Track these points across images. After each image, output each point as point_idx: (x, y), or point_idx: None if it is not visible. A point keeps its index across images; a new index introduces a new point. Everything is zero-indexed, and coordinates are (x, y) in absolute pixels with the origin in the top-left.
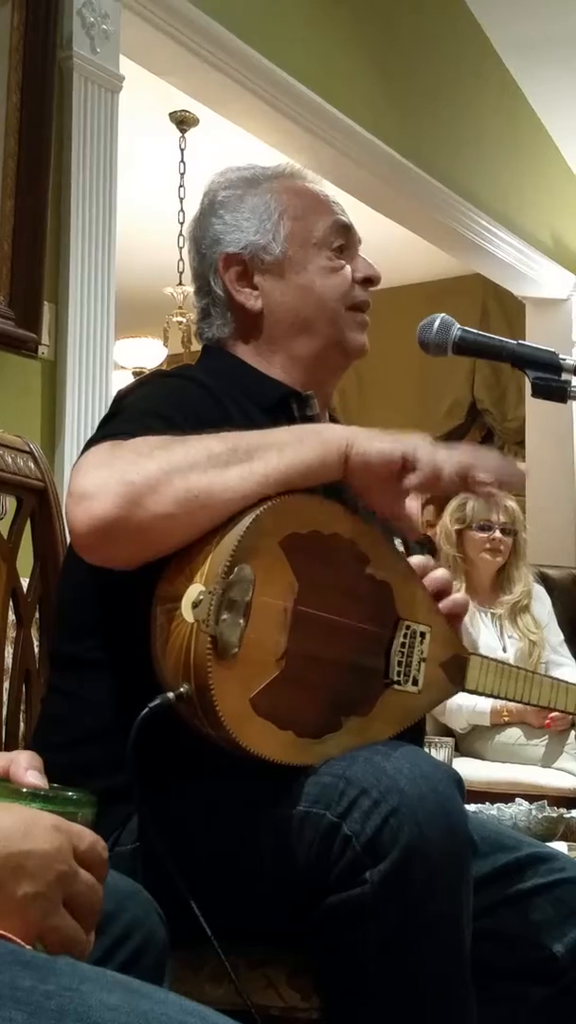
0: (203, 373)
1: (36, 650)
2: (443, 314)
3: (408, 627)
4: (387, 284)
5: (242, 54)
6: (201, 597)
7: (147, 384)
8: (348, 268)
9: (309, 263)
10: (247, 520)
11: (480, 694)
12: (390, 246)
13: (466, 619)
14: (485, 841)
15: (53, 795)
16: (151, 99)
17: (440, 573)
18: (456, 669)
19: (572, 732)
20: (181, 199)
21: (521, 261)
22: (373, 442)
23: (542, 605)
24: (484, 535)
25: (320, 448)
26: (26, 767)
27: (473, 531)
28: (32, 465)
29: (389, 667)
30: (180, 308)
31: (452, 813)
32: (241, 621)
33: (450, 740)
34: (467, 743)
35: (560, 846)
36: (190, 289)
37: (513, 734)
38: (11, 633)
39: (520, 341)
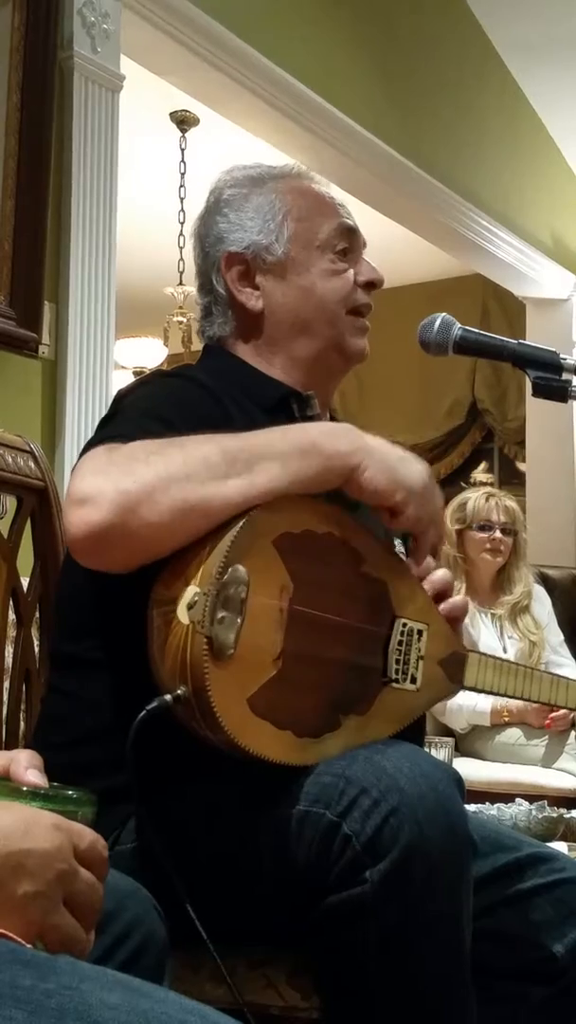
0: (203, 373)
1: (36, 650)
2: (444, 314)
3: (405, 625)
4: (388, 284)
5: (243, 54)
6: (196, 599)
7: (147, 384)
8: (351, 271)
9: (311, 265)
10: (240, 521)
11: (479, 691)
12: (390, 246)
13: (466, 619)
14: (485, 841)
15: (53, 794)
16: (151, 99)
17: (441, 574)
18: (455, 666)
19: (572, 732)
20: (182, 199)
21: (521, 261)
22: (376, 477)
23: (542, 605)
24: (484, 535)
25: (322, 466)
26: (26, 766)
27: (473, 531)
28: (32, 465)
29: (387, 665)
30: (180, 308)
31: (452, 812)
32: (237, 622)
33: (450, 740)
34: (467, 743)
35: (560, 846)
36: (190, 289)
37: (513, 734)
38: (11, 632)
39: (521, 341)
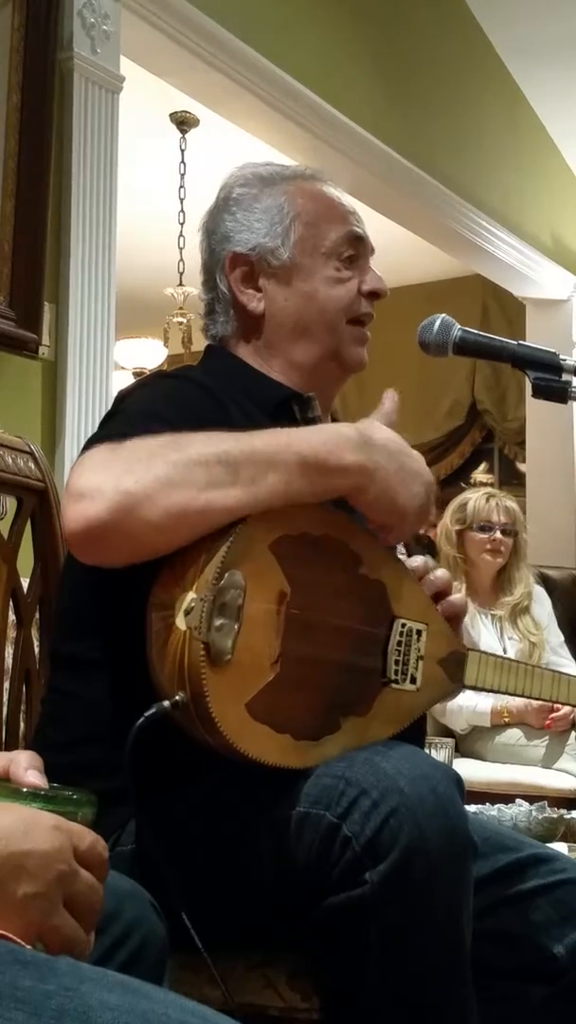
0: (204, 374)
1: (36, 650)
2: (443, 315)
3: (404, 625)
4: (388, 285)
5: (243, 55)
6: (193, 605)
7: (148, 385)
8: (355, 280)
9: (316, 271)
10: (237, 526)
11: (480, 690)
12: (390, 246)
13: (466, 620)
14: (486, 842)
15: (53, 795)
16: (151, 100)
17: (440, 574)
18: (455, 665)
19: (572, 733)
20: (181, 200)
21: (521, 262)
22: (375, 503)
23: (542, 606)
24: (485, 536)
25: (325, 484)
26: (26, 767)
27: (474, 532)
28: (32, 465)
29: (386, 666)
30: (180, 309)
31: (452, 814)
32: (234, 627)
33: (450, 741)
34: (467, 744)
35: (561, 847)
36: (191, 290)
37: (513, 735)
38: (11, 633)
39: (520, 342)
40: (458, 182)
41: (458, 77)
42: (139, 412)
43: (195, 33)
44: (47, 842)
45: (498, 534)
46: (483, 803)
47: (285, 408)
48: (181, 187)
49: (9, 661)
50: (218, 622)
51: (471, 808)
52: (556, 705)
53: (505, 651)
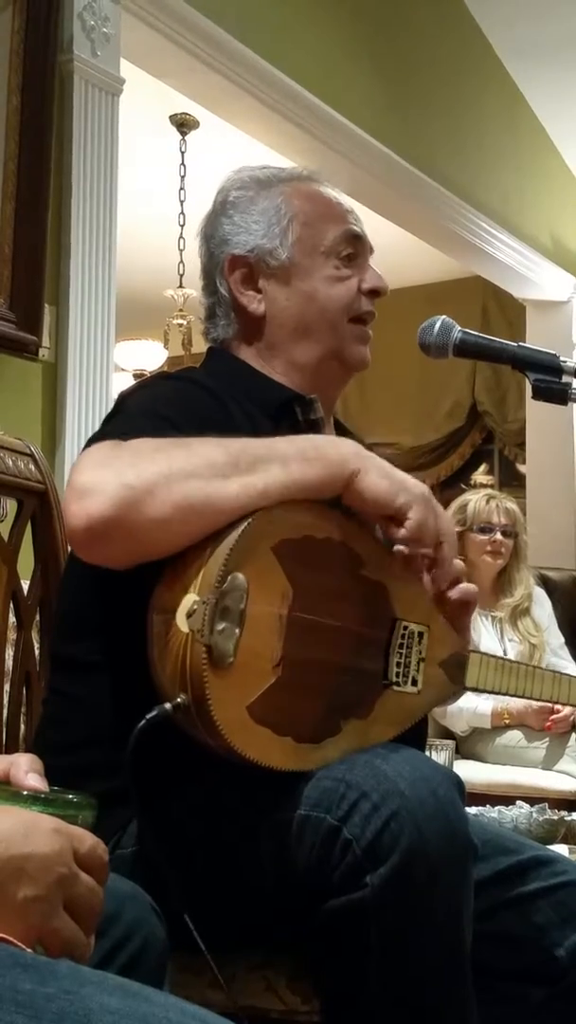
0: (206, 375)
1: (36, 652)
2: (444, 316)
3: (405, 627)
4: (388, 286)
5: (242, 57)
6: (195, 607)
7: (150, 386)
8: (354, 279)
9: (315, 271)
10: (239, 528)
11: (481, 691)
12: (390, 248)
13: None
14: (487, 844)
15: (53, 798)
16: (151, 102)
17: (456, 563)
18: (456, 667)
19: (573, 735)
20: (182, 202)
21: (521, 263)
22: (376, 483)
23: (542, 608)
24: (485, 537)
25: (324, 471)
26: (26, 770)
27: (474, 533)
28: (33, 467)
29: (388, 668)
30: (181, 310)
31: (453, 816)
32: (236, 630)
33: (451, 743)
34: (468, 745)
35: (561, 849)
36: (191, 291)
37: (514, 736)
38: (12, 635)
39: (521, 343)
40: (458, 183)
41: (457, 78)
42: (141, 412)
43: (195, 35)
44: (47, 845)
45: (498, 535)
46: (483, 805)
47: (287, 410)
48: (181, 189)
49: (9, 663)
50: (220, 625)
51: (471, 810)
52: (556, 707)
53: (505, 653)
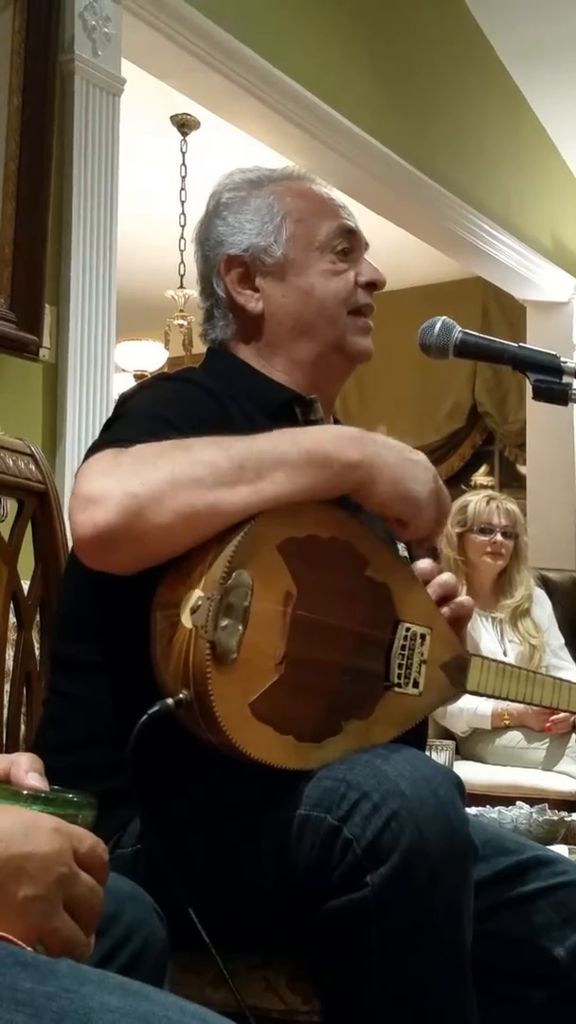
0: (206, 376)
1: (37, 653)
2: (444, 317)
3: (408, 629)
4: (388, 287)
5: (243, 57)
6: (199, 603)
7: (150, 387)
8: (351, 272)
9: (311, 266)
10: (245, 526)
11: (482, 695)
12: (391, 249)
13: None
14: (487, 844)
15: (54, 797)
16: (152, 102)
17: (446, 578)
18: (457, 670)
19: (573, 735)
20: (182, 202)
21: (522, 264)
22: (384, 490)
23: (543, 609)
24: (485, 538)
25: (332, 479)
26: (27, 769)
27: (474, 534)
28: (33, 468)
29: (389, 670)
30: (181, 311)
31: (453, 816)
32: (240, 627)
33: (451, 743)
34: (468, 746)
35: (561, 849)
36: (191, 292)
37: (514, 737)
38: (12, 636)
39: (521, 344)
40: (458, 184)
41: (458, 79)
42: (142, 415)
43: (196, 36)
44: (47, 845)
45: (499, 536)
46: (484, 805)
47: (287, 410)
48: (182, 189)
49: (10, 663)
50: (224, 622)
51: (472, 811)
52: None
53: (505, 654)
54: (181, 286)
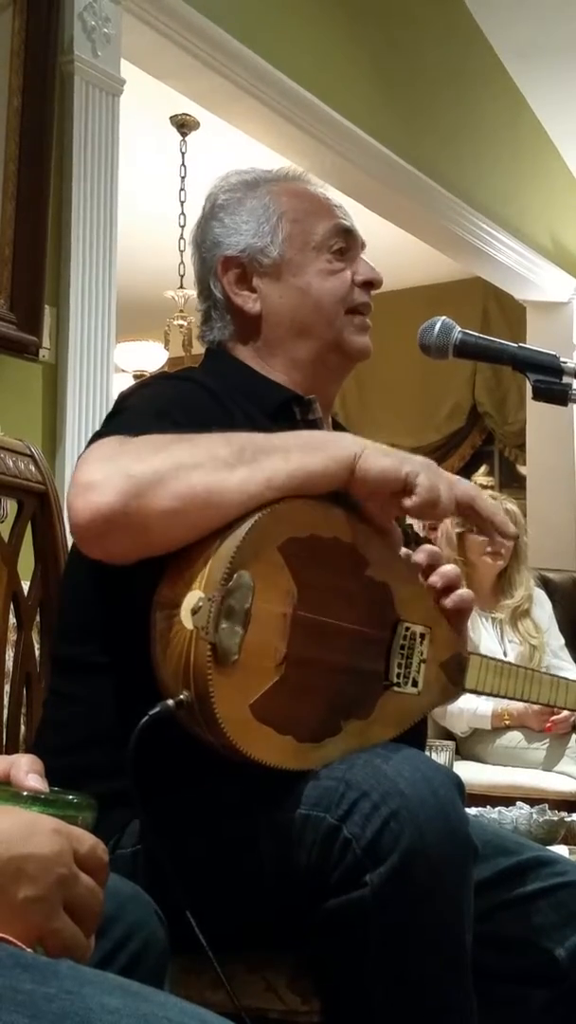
0: (206, 376)
1: (37, 653)
2: (444, 317)
3: (407, 628)
4: (387, 287)
5: (243, 58)
6: (200, 604)
7: (151, 385)
8: (348, 271)
9: (307, 266)
10: (246, 526)
11: (481, 693)
12: (390, 249)
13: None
14: (487, 845)
15: (53, 798)
16: (152, 103)
17: (449, 568)
18: (456, 669)
19: (573, 736)
20: (182, 202)
21: (522, 264)
22: (379, 459)
23: (543, 609)
24: (485, 538)
25: (326, 458)
26: (27, 770)
27: (474, 534)
28: (33, 468)
29: (389, 669)
30: (181, 311)
31: (453, 816)
32: (240, 628)
33: (451, 743)
34: (468, 746)
35: (561, 850)
36: (191, 292)
37: (514, 737)
38: (12, 636)
39: (521, 344)
40: (458, 185)
41: (458, 79)
42: (142, 411)
43: (196, 36)
44: (47, 846)
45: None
46: (484, 806)
47: (286, 410)
48: (182, 190)
49: (10, 664)
50: (225, 623)
51: (472, 811)
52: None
53: (505, 654)
54: (181, 286)
